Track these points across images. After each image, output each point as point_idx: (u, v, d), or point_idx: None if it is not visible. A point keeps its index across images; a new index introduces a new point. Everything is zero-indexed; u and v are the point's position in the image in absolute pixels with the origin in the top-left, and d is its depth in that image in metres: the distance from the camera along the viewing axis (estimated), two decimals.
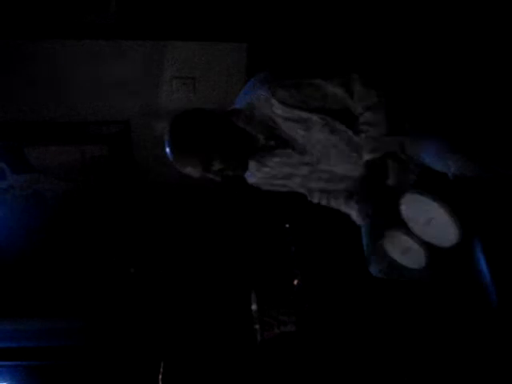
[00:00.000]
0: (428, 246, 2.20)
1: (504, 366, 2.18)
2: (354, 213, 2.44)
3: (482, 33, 2.90)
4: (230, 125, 2.24)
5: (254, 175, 2.45)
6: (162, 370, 3.77)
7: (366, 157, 2.20)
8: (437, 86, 2.53)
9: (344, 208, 2.50)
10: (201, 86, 3.53)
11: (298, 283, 3.85)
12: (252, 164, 2.37)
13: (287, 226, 4.01)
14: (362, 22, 3.18)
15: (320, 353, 3.64)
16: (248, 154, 2.32)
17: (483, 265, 2.02)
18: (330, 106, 2.18)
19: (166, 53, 3.36)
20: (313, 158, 2.32)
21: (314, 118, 2.18)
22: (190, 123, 2.22)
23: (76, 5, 3.13)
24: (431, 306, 2.93)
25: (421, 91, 2.39)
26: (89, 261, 4.14)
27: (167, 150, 2.21)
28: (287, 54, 3.18)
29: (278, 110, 2.18)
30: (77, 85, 3.45)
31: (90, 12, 3.16)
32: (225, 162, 2.23)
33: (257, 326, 3.80)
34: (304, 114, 2.17)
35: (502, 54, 2.81)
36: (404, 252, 2.31)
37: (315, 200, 2.56)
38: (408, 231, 2.21)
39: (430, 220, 2.08)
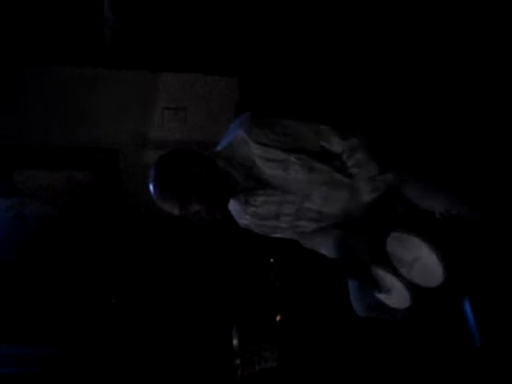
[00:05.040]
0: (412, 286, 2.19)
1: None
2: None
3: (470, 72, 2.94)
4: (212, 167, 2.24)
5: (243, 217, 2.42)
6: None
7: (366, 198, 2.23)
8: (427, 126, 2.56)
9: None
10: (192, 116, 3.54)
11: (280, 319, 3.82)
12: (237, 205, 2.36)
13: (272, 260, 3.99)
14: (350, 57, 3.22)
15: None
16: (228, 198, 2.32)
17: (467, 305, 2.02)
18: (306, 145, 2.19)
19: (158, 83, 3.38)
20: (297, 197, 2.30)
21: (291, 157, 2.18)
22: (173, 163, 2.21)
23: (70, 32, 3.16)
24: (415, 346, 2.92)
25: (410, 132, 2.41)
26: (70, 289, 4.10)
27: (150, 186, 2.21)
28: (278, 88, 3.22)
29: (255, 149, 2.19)
30: (67, 111, 3.45)
31: (84, 40, 3.19)
32: (201, 205, 2.22)
33: (237, 361, 3.75)
34: (280, 154, 2.18)
35: (491, 96, 2.84)
36: (388, 291, 2.30)
37: (307, 246, 2.55)
38: (393, 270, 2.20)
39: (415, 259, 2.08)
